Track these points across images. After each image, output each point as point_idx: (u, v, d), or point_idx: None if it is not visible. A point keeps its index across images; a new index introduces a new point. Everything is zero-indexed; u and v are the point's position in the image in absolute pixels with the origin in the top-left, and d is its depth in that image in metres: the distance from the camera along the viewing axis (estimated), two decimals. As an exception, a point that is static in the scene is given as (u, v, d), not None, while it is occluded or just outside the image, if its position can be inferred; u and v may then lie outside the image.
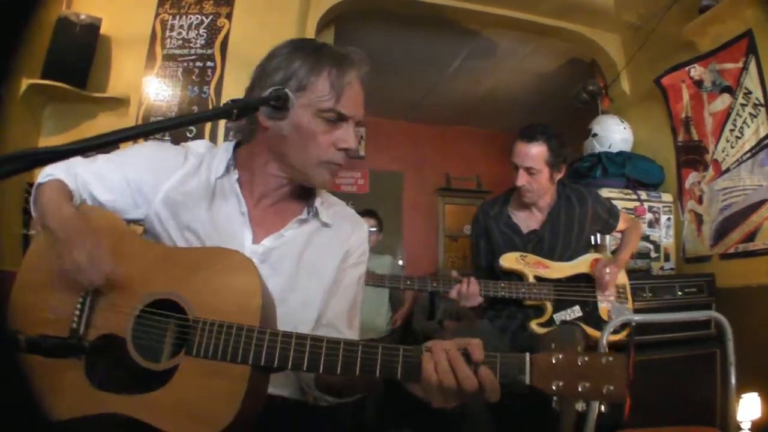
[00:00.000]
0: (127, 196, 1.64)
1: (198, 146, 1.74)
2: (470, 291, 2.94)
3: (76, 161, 1.65)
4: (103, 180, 1.64)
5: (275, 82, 1.53)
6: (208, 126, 4.02)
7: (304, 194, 1.71)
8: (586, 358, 1.22)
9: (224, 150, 1.70)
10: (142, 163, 1.66)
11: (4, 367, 1.34)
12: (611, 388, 1.20)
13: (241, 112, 1.35)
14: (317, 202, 1.69)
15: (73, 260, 1.37)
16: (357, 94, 1.58)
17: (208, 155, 1.70)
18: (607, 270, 3.09)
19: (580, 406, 1.24)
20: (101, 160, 1.68)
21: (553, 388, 1.22)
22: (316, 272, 1.65)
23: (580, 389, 1.21)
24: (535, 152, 3.13)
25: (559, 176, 3.25)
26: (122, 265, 1.45)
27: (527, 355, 1.25)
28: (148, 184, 1.64)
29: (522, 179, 3.16)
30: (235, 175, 1.64)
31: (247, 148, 1.68)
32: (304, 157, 1.56)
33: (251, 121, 1.61)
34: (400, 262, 8.14)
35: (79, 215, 1.50)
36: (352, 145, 1.58)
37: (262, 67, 1.62)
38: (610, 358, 1.22)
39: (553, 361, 1.23)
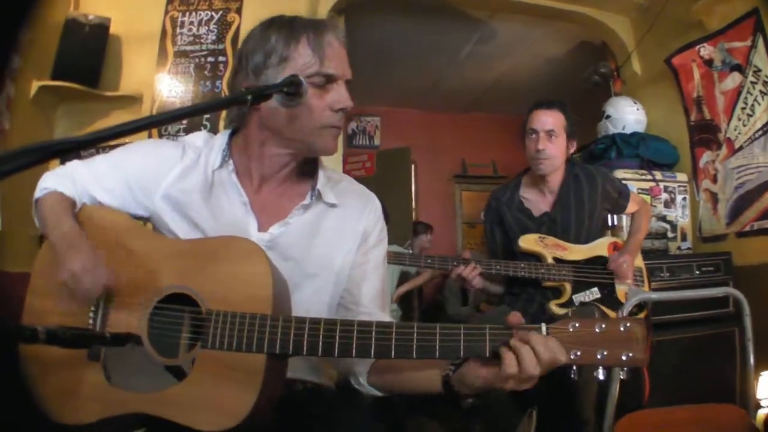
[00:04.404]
0: (128, 195, 1.63)
1: (196, 139, 1.72)
2: (470, 276, 2.96)
3: (73, 165, 1.65)
4: (102, 182, 1.63)
5: (257, 62, 1.52)
6: (223, 116, 4.02)
7: (308, 172, 1.67)
8: (604, 326, 1.22)
9: (221, 140, 1.67)
10: (140, 161, 1.65)
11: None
12: (630, 354, 1.20)
13: (255, 99, 1.34)
14: (320, 182, 1.63)
15: (69, 272, 1.39)
16: (339, 53, 1.55)
17: (206, 148, 1.67)
18: (622, 261, 3.09)
19: (600, 373, 1.23)
20: (99, 160, 1.67)
21: (572, 357, 1.21)
22: (327, 257, 1.62)
23: (598, 356, 1.21)
24: (554, 117, 3.15)
25: (572, 150, 3.25)
26: (131, 262, 1.46)
27: (543, 326, 1.24)
28: (147, 181, 1.62)
29: (543, 142, 3.12)
30: (230, 165, 1.61)
31: (243, 134, 1.64)
32: (302, 128, 1.51)
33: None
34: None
35: (76, 229, 1.51)
36: (347, 104, 1.53)
37: (241, 51, 1.60)
38: (629, 324, 1.22)
39: (570, 330, 1.23)
